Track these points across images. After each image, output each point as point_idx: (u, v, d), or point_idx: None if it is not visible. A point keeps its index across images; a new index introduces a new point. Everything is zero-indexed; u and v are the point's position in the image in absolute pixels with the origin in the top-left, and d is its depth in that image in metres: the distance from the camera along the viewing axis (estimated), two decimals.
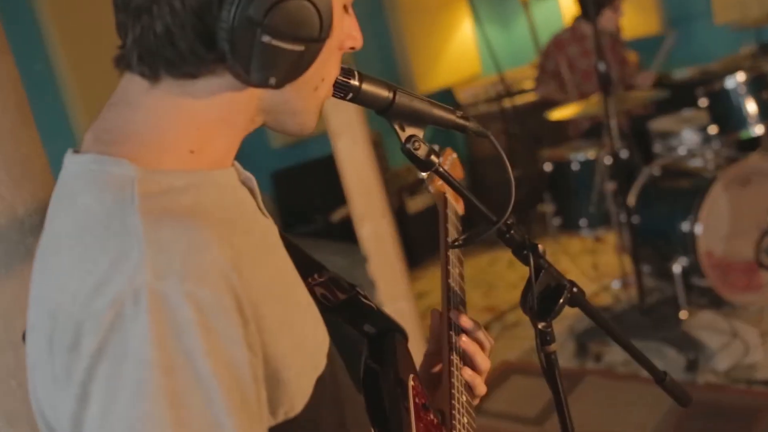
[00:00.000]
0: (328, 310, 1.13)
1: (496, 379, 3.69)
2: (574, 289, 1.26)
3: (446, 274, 1.31)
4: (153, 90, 0.79)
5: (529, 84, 5.62)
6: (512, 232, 1.21)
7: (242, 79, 0.78)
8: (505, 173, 1.17)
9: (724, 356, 3.46)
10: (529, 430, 3.19)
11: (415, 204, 5.24)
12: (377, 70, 5.75)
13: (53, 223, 0.78)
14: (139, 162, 0.75)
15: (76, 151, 0.80)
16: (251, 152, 4.67)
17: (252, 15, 0.73)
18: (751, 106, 3.95)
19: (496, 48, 5.26)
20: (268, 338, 0.74)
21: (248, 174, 0.88)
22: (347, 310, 1.13)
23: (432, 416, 1.09)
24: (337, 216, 4.45)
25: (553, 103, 4.61)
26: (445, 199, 1.44)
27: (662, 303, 3.92)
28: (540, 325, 1.23)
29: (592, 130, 4.53)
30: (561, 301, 1.23)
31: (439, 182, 1.45)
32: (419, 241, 4.99)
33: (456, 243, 1.30)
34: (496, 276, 4.91)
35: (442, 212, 1.43)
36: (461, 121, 1.11)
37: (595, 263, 4.61)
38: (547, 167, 4.35)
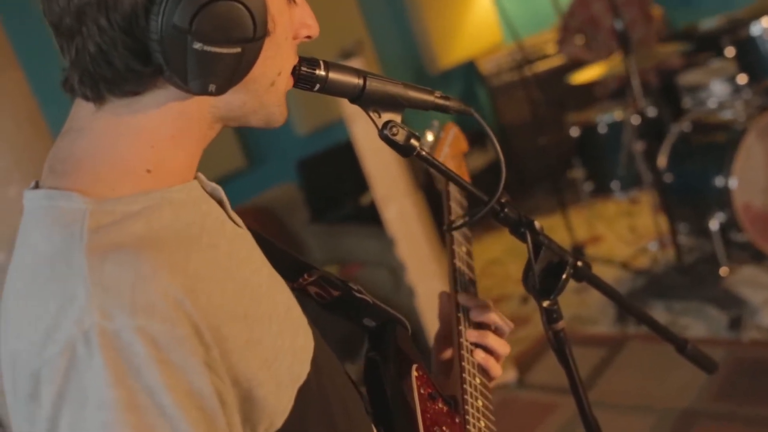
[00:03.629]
0: (324, 307, 1.12)
1: (537, 351, 3.65)
2: (579, 263, 1.21)
3: (452, 254, 1.28)
4: (100, 112, 0.77)
5: (551, 48, 5.52)
6: (506, 210, 1.16)
7: (184, 90, 0.75)
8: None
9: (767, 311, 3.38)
10: (570, 402, 3.14)
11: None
12: (397, 50, 5.70)
13: (12, 265, 0.77)
14: (91, 192, 0.73)
15: (36, 186, 0.78)
16: (276, 141, 4.70)
17: (178, 23, 0.70)
18: None
19: (515, 14, 5.17)
20: (235, 359, 0.72)
21: (214, 185, 0.87)
22: (343, 306, 1.12)
23: (441, 404, 1.07)
24: (366, 199, 4.42)
25: (578, 64, 4.52)
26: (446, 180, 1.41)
27: (701, 261, 3.83)
28: (545, 304, 1.19)
29: (620, 90, 4.43)
30: (564, 277, 1.19)
31: (440, 159, 1.41)
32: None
33: (453, 226, 1.28)
34: None
35: (444, 191, 1.40)
36: (440, 101, 1.07)
37: (631, 226, 4.53)
38: (574, 132, 4.27)
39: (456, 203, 1.38)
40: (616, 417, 3.03)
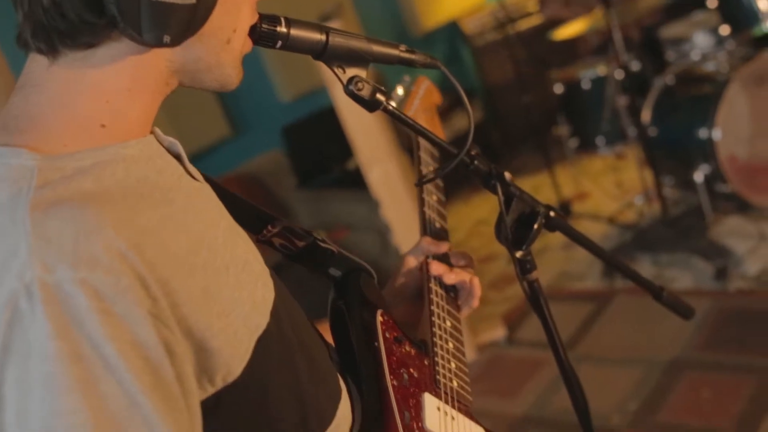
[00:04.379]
0: (290, 258, 1.13)
1: (525, 309, 3.68)
2: (551, 213, 1.21)
3: (421, 202, 1.30)
4: (54, 67, 0.76)
5: (532, 6, 5.49)
6: (476, 162, 1.17)
7: (138, 42, 0.75)
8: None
9: (753, 260, 3.40)
10: None
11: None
12: (378, 12, 5.65)
13: None
14: (43, 148, 0.73)
15: None
16: (260, 109, 4.67)
17: None
18: (762, 1, 3.80)
19: None
20: (188, 310, 0.72)
21: (171, 139, 0.86)
22: (308, 257, 1.13)
23: (408, 348, 1.08)
24: (352, 164, 4.41)
25: (560, 21, 4.49)
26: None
27: (687, 214, 3.85)
28: (518, 254, 1.19)
29: (602, 45, 4.41)
30: (536, 226, 1.19)
31: (410, 114, 1.41)
32: (444, 177, 4.93)
33: (424, 179, 1.28)
34: None
35: (414, 142, 1.40)
36: (406, 55, 1.06)
37: (618, 181, 4.54)
38: (558, 89, 4.26)
39: (427, 154, 1.39)
40: (604, 370, 3.05)
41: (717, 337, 3.05)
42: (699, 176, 3.64)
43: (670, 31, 4.25)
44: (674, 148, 3.83)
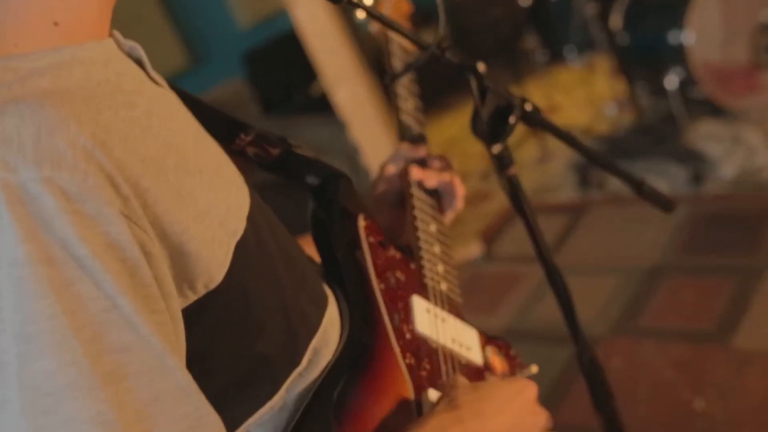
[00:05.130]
0: (265, 167, 1.07)
1: (500, 226, 3.64)
2: (526, 106, 1.15)
3: (398, 110, 1.26)
4: None
5: None
6: (447, 55, 1.10)
7: None
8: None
9: (728, 163, 3.37)
10: (538, 270, 3.14)
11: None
12: None
13: None
14: None
15: None
16: (218, 36, 4.51)
17: None
18: None
19: None
20: (161, 211, 0.68)
21: (132, 43, 0.81)
22: (284, 165, 1.07)
23: (393, 251, 1.04)
24: (317, 88, 4.31)
25: None
26: (387, 36, 1.35)
27: (661, 120, 3.80)
28: (495, 149, 1.13)
29: None
30: (511, 119, 1.13)
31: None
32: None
33: (395, 74, 1.22)
34: None
35: (385, 49, 1.34)
36: None
37: (589, 92, 4.47)
38: (525, 1, 4.15)
39: (398, 48, 1.33)
40: (583, 279, 3.03)
41: (695, 242, 3.04)
42: (672, 81, 3.58)
43: None
44: (646, 55, 3.77)
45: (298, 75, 4.33)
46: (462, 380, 0.87)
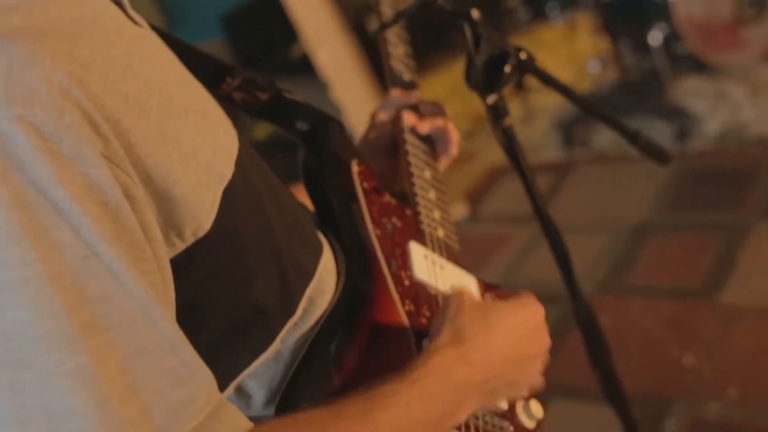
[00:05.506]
0: (253, 113, 1.03)
1: (485, 185, 3.62)
2: (521, 55, 1.11)
3: (387, 56, 1.22)
4: None
5: None
6: (440, 2, 1.06)
7: None
8: None
9: (713, 119, 3.35)
10: (524, 230, 3.13)
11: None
12: None
13: None
14: None
15: None
16: None
17: None
18: None
19: None
20: (144, 153, 0.64)
21: None
22: (273, 111, 1.03)
23: (388, 197, 1.01)
24: (297, 50, 4.24)
25: None
26: None
27: (645, 77, 3.76)
28: (490, 100, 1.10)
29: None
30: (506, 68, 1.09)
31: None
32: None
33: (384, 24, 1.17)
34: None
35: None
36: None
37: (572, 50, 4.42)
38: None
39: (388, 6, 1.28)
40: (569, 238, 2.98)
41: (681, 199, 3.03)
42: (656, 38, 3.54)
43: None
44: (629, 11, 3.72)
45: (278, 35, 4.25)
46: (468, 300, 0.83)
